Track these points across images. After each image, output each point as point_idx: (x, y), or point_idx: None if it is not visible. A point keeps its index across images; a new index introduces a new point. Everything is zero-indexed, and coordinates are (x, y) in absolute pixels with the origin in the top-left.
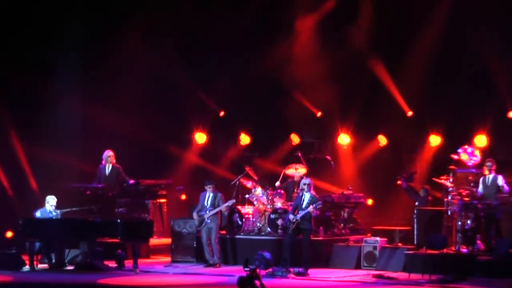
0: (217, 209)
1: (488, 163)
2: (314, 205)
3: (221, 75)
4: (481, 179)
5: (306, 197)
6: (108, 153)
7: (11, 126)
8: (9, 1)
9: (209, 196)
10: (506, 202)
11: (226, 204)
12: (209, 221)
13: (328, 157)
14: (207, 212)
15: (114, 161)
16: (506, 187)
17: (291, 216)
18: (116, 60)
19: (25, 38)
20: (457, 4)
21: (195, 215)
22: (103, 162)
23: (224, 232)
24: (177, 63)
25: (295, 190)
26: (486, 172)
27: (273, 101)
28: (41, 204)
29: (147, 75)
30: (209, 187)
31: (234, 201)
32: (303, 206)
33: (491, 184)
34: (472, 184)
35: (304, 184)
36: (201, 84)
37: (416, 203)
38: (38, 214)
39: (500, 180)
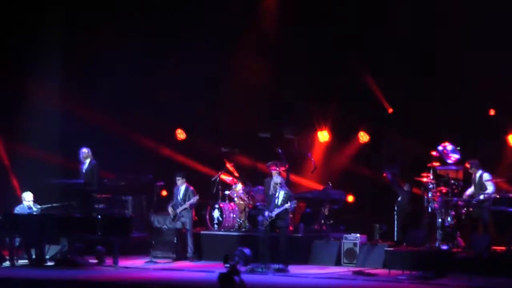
0: (186, 204)
1: (468, 165)
2: (290, 203)
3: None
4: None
5: (281, 194)
6: (82, 151)
7: None
8: None
9: (180, 190)
10: (488, 199)
11: (191, 201)
12: (181, 215)
13: (309, 154)
14: (180, 206)
15: (90, 157)
16: (490, 187)
17: (266, 213)
18: (95, 57)
19: (3, 33)
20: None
21: (169, 209)
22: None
23: (198, 228)
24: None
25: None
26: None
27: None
28: (22, 200)
29: (128, 71)
30: (178, 180)
31: (197, 197)
32: (278, 203)
33: (478, 182)
34: (452, 181)
35: (276, 184)
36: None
37: (399, 198)
38: (16, 210)
39: (487, 176)
